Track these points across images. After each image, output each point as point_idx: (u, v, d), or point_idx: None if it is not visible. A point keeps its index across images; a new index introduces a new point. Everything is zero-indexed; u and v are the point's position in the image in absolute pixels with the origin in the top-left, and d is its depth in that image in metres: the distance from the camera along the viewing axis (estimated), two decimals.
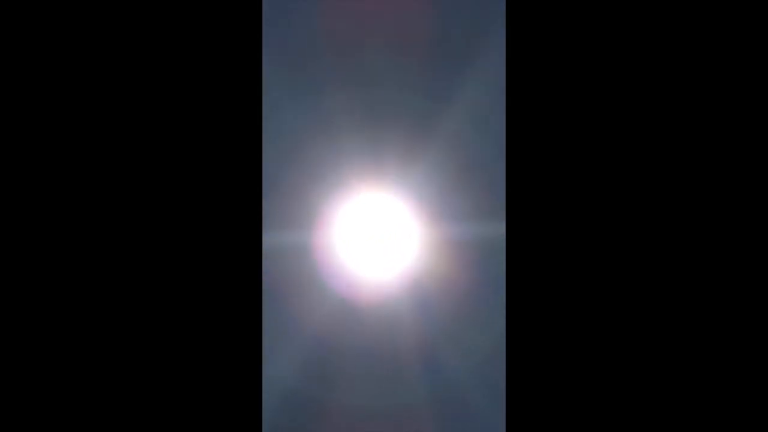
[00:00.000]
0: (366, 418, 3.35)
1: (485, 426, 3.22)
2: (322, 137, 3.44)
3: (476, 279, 3.36)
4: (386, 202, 3.50)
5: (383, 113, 3.44)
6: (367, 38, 3.41)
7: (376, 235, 3.51)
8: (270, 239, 3.44)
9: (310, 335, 3.40)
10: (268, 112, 3.39)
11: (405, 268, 3.48)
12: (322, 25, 3.40)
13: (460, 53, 3.38)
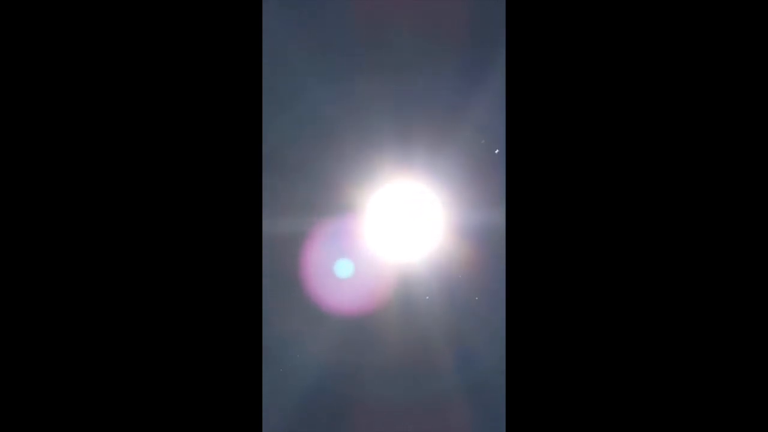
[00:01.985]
0: (395, 412, 3.37)
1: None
2: (351, 123, 3.43)
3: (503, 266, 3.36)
4: (414, 189, 3.49)
5: (413, 100, 3.43)
6: (397, 24, 3.39)
7: (403, 222, 3.50)
8: (293, 226, 3.45)
9: (333, 330, 3.41)
10: (299, 97, 3.38)
11: (432, 256, 3.48)
12: (353, 10, 3.37)
13: (491, 41, 3.36)
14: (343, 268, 3.45)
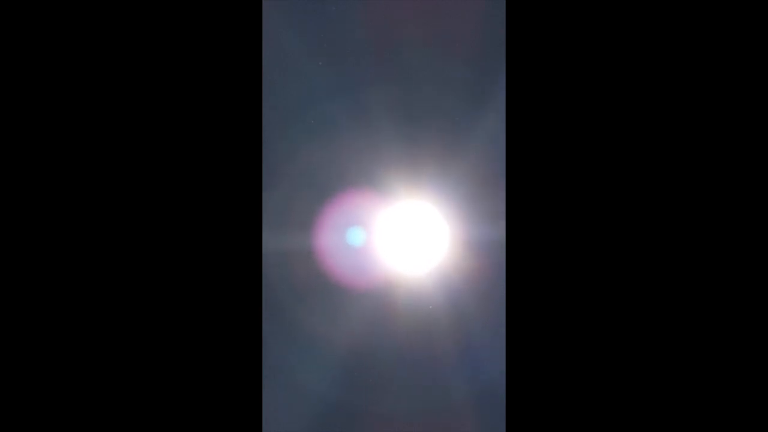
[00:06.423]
0: (403, 422, 3.34)
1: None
2: (359, 135, 3.44)
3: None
4: (421, 203, 3.49)
5: (420, 113, 3.44)
6: (406, 37, 3.40)
7: (410, 237, 3.50)
8: (299, 240, 3.45)
9: (343, 340, 3.39)
10: (307, 108, 3.39)
11: (440, 270, 3.48)
12: (362, 22, 3.39)
13: (500, 55, 3.38)
14: (355, 236, 3.44)
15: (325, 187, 3.47)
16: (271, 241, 3.46)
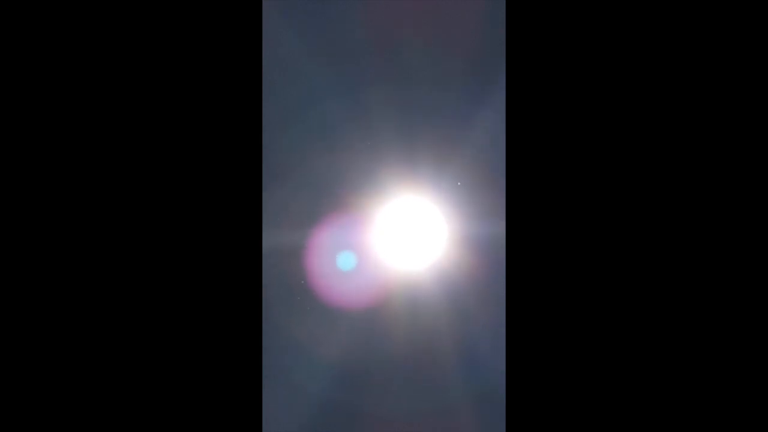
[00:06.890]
0: (402, 421, 3.34)
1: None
2: (357, 134, 3.44)
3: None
4: (421, 201, 3.49)
5: (420, 113, 3.44)
6: (406, 37, 3.41)
7: (409, 232, 3.51)
8: (299, 239, 3.45)
9: (343, 340, 3.39)
10: (307, 108, 3.39)
11: (437, 267, 3.48)
12: (363, 22, 3.39)
13: (499, 54, 3.38)
14: (346, 261, 3.44)
15: (325, 186, 3.47)
16: (271, 241, 3.46)
